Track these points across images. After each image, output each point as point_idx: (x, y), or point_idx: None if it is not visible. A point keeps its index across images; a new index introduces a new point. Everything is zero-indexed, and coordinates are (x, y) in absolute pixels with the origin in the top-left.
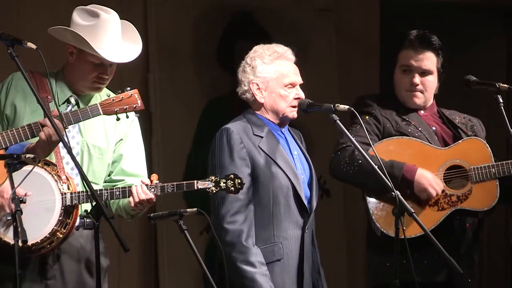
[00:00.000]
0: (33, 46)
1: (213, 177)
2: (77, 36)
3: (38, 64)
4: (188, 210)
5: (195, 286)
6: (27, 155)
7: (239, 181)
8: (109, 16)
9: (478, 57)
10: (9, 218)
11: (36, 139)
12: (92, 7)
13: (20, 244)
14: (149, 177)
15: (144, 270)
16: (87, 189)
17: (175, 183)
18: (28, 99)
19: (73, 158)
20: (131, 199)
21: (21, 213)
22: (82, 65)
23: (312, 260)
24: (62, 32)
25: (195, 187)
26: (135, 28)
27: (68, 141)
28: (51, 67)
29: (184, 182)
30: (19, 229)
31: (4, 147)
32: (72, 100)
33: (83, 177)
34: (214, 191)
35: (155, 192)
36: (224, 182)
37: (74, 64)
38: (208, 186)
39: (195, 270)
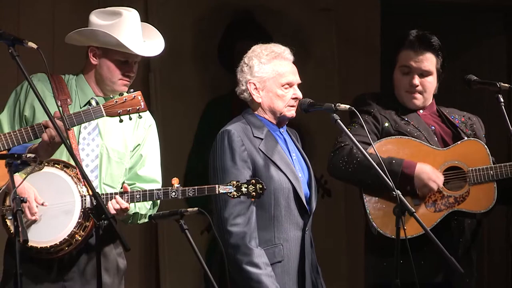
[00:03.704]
0: (34, 45)
1: (234, 182)
2: (104, 35)
3: (39, 64)
4: (189, 209)
5: (196, 286)
6: (28, 155)
7: (260, 186)
8: (131, 13)
9: (478, 57)
10: (10, 217)
11: (40, 140)
12: (109, 8)
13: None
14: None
15: (145, 269)
16: (89, 189)
17: (196, 187)
18: (47, 101)
19: (73, 157)
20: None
21: (22, 213)
22: (107, 65)
23: (311, 260)
24: (82, 36)
25: (217, 192)
26: (151, 26)
27: (70, 143)
28: (51, 66)
29: (206, 186)
30: (19, 228)
31: (7, 148)
32: (93, 103)
33: (84, 176)
34: (235, 196)
35: (176, 195)
36: (245, 187)
37: (98, 65)
38: (229, 191)
39: (196, 270)
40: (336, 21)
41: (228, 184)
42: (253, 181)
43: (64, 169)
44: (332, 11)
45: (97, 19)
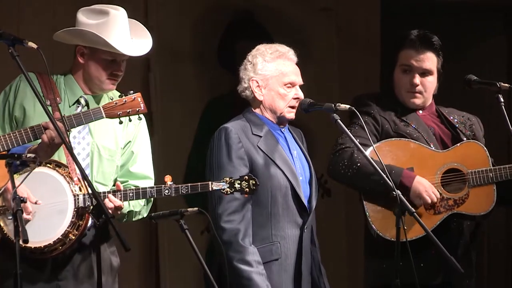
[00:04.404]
0: (34, 45)
1: (227, 178)
2: (92, 35)
3: (38, 63)
4: (189, 209)
5: (196, 286)
6: (28, 155)
7: (254, 182)
8: (118, 12)
9: (478, 57)
10: (10, 218)
11: (39, 141)
12: (96, 6)
13: (21, 243)
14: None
15: (145, 269)
16: (88, 188)
17: (189, 184)
18: (37, 101)
19: (74, 159)
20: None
21: (22, 213)
22: (94, 64)
23: (312, 258)
24: (70, 35)
25: (210, 188)
26: (140, 24)
27: (70, 143)
28: (51, 66)
29: (199, 183)
30: (20, 228)
31: (6, 149)
32: (82, 101)
33: (84, 176)
34: (229, 192)
35: (169, 193)
36: (238, 183)
37: (86, 65)
38: (222, 187)
39: (196, 270)
40: (336, 21)
41: (221, 181)
42: (246, 177)
43: (56, 168)
44: (332, 11)
45: (85, 18)
